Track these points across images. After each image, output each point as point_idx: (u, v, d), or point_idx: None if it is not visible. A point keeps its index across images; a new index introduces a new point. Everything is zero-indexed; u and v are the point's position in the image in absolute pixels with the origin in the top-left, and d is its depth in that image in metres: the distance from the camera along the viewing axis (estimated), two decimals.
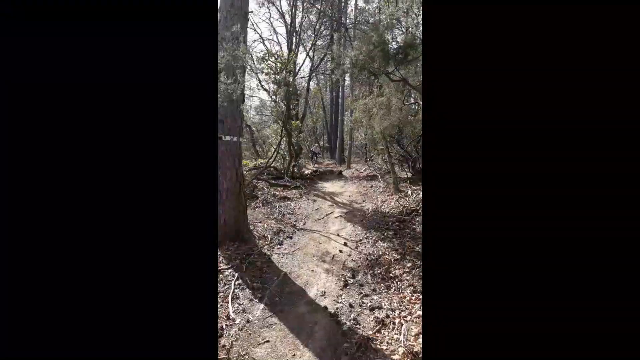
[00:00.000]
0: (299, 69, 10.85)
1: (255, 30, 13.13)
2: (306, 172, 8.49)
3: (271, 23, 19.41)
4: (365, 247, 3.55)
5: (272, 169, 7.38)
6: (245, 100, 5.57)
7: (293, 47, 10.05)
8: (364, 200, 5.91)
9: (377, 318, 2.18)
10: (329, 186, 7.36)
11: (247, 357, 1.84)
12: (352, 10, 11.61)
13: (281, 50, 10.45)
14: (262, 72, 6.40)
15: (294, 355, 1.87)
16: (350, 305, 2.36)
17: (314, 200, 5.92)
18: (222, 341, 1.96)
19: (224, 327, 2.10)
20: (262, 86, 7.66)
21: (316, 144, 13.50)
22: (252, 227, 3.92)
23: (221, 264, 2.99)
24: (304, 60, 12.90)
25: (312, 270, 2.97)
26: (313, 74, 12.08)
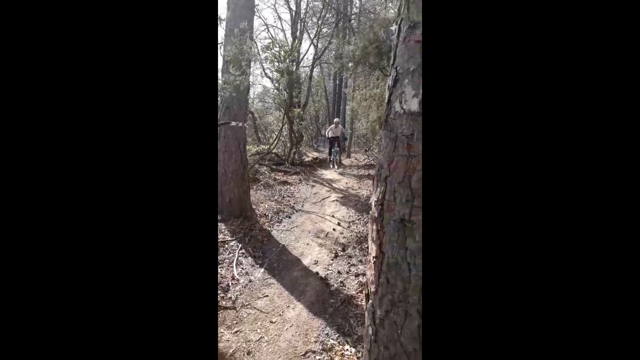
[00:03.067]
0: (303, 57, 10.93)
1: (259, 16, 12.98)
2: (306, 159, 8.80)
3: (276, 9, 19.23)
4: (357, 227, 3.91)
5: (273, 154, 7.69)
6: (250, 87, 5.78)
7: (297, 34, 10.15)
8: (359, 187, 6.25)
9: (360, 282, 2.55)
10: (328, 173, 7.68)
11: (249, 306, 2.22)
12: None
13: (285, 38, 10.58)
14: (267, 60, 6.62)
15: (288, 306, 2.25)
16: (339, 272, 2.73)
17: (313, 186, 6.26)
18: (229, 294, 2.34)
19: (230, 284, 2.48)
20: (265, 74, 7.87)
21: (336, 119, 7.78)
22: (254, 207, 4.28)
23: (226, 237, 3.36)
24: (308, 49, 12.49)
25: (308, 244, 3.34)
26: (316, 63, 11.56)
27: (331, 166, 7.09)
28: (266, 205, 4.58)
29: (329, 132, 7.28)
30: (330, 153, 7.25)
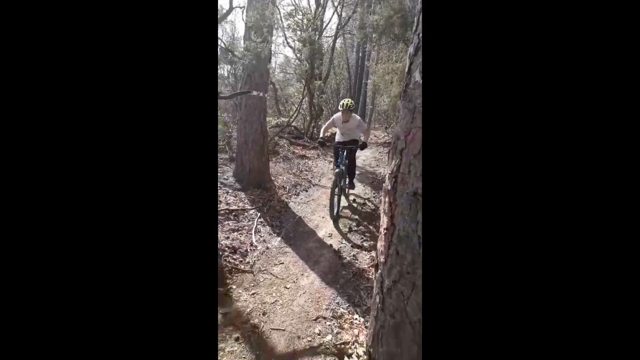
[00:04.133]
0: (326, 26, 10.42)
1: None
2: (325, 134, 8.69)
3: None
4: (372, 203, 3.92)
5: (292, 127, 7.67)
6: (271, 55, 5.61)
7: (321, 1, 9.66)
8: (377, 165, 6.17)
9: (372, 257, 2.60)
10: None
11: (266, 271, 2.35)
12: None
13: (308, 4, 10.10)
14: (289, 28, 6.40)
15: (302, 274, 2.35)
16: (352, 246, 2.79)
17: (330, 161, 6.25)
18: (247, 259, 2.47)
19: (248, 250, 2.61)
20: (287, 43, 7.67)
21: (345, 101, 3.22)
22: (272, 178, 4.36)
23: (246, 205, 3.49)
24: (331, 17, 11.74)
25: (323, 217, 3.41)
26: (340, 33, 10.85)
27: (334, 207, 3.20)
28: (284, 178, 4.66)
29: (337, 135, 3.71)
30: (336, 167, 3.32)
